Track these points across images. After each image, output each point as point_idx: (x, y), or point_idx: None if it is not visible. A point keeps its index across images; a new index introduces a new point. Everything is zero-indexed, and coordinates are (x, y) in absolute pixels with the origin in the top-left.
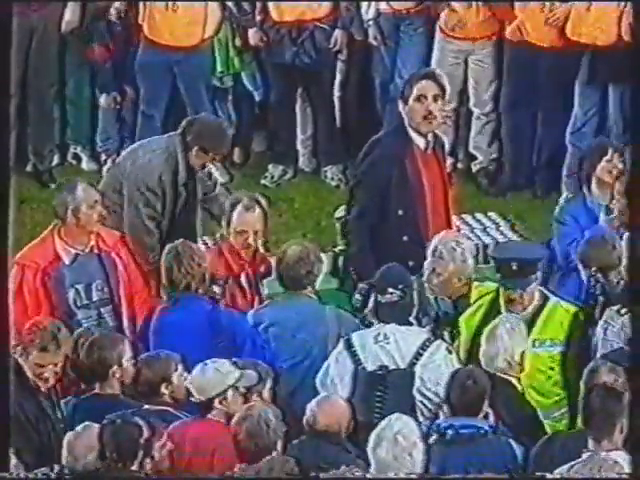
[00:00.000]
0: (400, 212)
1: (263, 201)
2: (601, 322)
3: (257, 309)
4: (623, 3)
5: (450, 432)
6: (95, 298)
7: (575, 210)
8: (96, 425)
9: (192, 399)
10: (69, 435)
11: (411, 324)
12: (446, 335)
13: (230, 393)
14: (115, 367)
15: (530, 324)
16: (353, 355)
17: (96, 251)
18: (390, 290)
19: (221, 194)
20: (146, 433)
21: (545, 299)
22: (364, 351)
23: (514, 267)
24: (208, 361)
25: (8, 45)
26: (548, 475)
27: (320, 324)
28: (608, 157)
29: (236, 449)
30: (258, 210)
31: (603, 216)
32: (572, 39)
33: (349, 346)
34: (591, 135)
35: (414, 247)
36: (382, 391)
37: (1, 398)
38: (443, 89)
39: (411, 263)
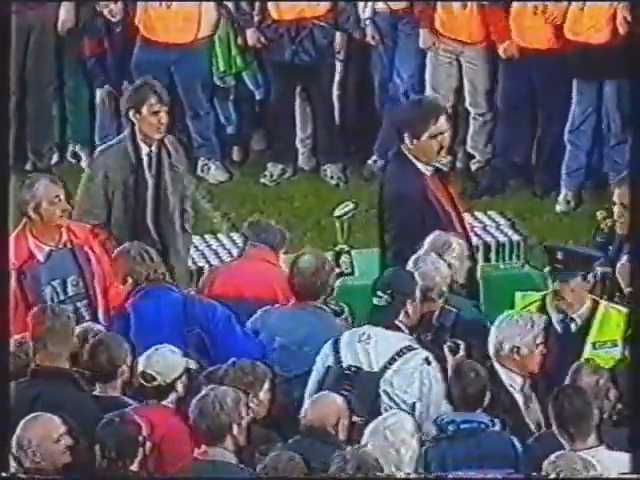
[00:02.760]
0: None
1: None
2: None
3: (265, 311)
4: (616, 2)
5: (451, 427)
6: (71, 293)
7: None
8: (51, 415)
9: (153, 384)
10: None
11: (399, 329)
12: (446, 348)
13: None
14: (124, 366)
15: (586, 328)
16: (336, 351)
17: (69, 246)
18: (379, 293)
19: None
20: (145, 431)
21: (596, 303)
22: (346, 348)
23: (559, 256)
24: (157, 346)
25: (7, 44)
26: (551, 475)
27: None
28: None
29: (190, 429)
30: None
31: None
32: (568, 38)
33: (335, 344)
34: (590, 133)
35: None
36: (348, 390)
37: (1, 398)
38: (450, 118)
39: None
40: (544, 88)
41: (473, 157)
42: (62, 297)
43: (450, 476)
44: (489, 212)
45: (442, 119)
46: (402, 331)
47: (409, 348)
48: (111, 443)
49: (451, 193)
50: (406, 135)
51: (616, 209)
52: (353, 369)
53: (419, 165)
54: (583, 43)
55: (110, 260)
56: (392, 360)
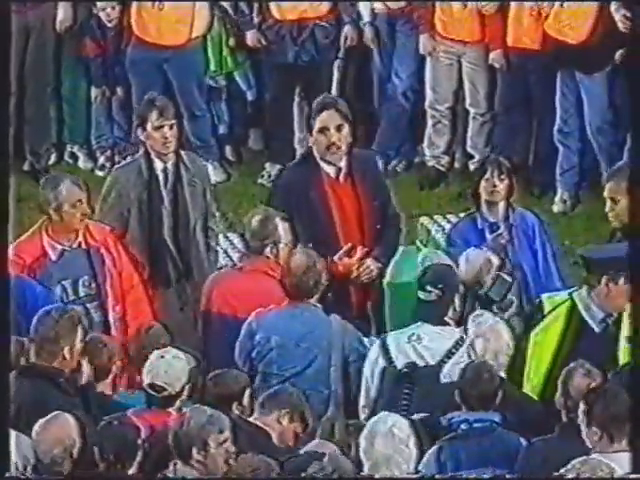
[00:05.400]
0: (310, 245)
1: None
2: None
3: (259, 313)
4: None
5: (464, 426)
6: (82, 294)
7: (465, 230)
8: (67, 415)
9: (163, 394)
10: (37, 426)
11: (447, 324)
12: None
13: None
14: (118, 362)
15: (618, 323)
16: (386, 353)
17: (84, 246)
18: (429, 288)
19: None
20: (144, 434)
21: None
22: (397, 350)
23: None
24: (158, 353)
25: (7, 44)
26: (555, 474)
27: (325, 334)
28: (487, 176)
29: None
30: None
31: (489, 235)
32: (549, 35)
33: (383, 344)
34: (577, 134)
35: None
36: (409, 388)
37: (1, 397)
38: (346, 117)
39: None
40: (539, 88)
41: (472, 157)
42: (72, 297)
43: (448, 476)
44: None
45: (324, 114)
46: (450, 326)
47: (463, 339)
48: (109, 446)
49: (361, 201)
50: (307, 133)
51: (607, 204)
52: (409, 367)
53: (323, 164)
54: (560, 41)
55: (131, 264)
56: (449, 354)
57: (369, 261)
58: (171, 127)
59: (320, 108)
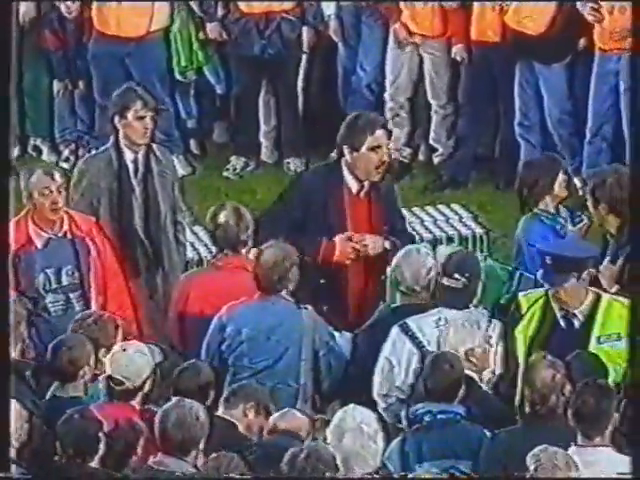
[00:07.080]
0: (306, 258)
1: None
2: None
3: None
4: None
5: (427, 418)
6: (65, 283)
7: (538, 230)
8: (13, 401)
9: (121, 387)
10: None
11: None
12: None
13: None
14: (86, 367)
15: (590, 322)
16: (413, 339)
17: (69, 236)
18: (456, 276)
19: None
20: (106, 428)
21: (598, 296)
22: (424, 335)
23: (547, 261)
24: (121, 345)
25: (8, 44)
26: (531, 467)
27: (296, 326)
28: (562, 173)
29: (160, 438)
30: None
31: (571, 226)
32: (509, 27)
33: (406, 330)
34: (537, 128)
35: (330, 290)
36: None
37: (1, 398)
38: (391, 137)
39: (325, 307)
40: (501, 81)
41: (435, 150)
42: (55, 286)
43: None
44: (452, 205)
45: (379, 132)
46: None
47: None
48: (70, 439)
49: (372, 219)
50: (345, 148)
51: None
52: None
53: (349, 180)
54: (519, 32)
55: (113, 255)
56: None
57: (368, 238)
58: (152, 118)
59: (375, 126)
